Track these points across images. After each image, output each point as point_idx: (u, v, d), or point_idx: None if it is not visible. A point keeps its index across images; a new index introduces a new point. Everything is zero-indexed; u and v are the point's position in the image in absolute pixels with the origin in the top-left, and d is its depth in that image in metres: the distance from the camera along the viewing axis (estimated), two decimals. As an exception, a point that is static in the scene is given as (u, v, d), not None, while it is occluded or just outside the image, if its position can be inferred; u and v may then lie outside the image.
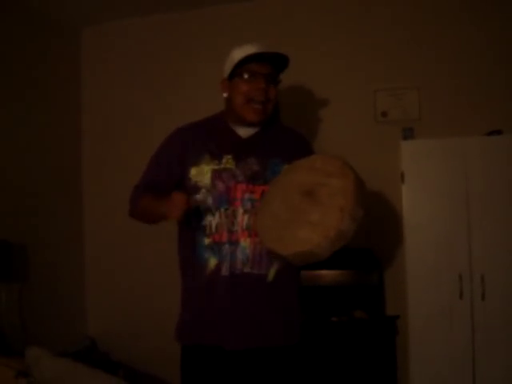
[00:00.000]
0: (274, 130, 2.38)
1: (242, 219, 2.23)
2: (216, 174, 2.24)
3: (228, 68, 2.29)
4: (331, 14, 4.20)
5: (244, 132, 2.32)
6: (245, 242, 2.22)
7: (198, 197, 2.24)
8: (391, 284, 3.97)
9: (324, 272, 3.78)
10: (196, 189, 2.25)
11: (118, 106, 4.61)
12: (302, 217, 2.06)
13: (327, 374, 3.64)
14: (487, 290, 3.51)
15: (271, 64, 2.26)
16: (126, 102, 4.59)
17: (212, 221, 2.23)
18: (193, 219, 2.23)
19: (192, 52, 4.45)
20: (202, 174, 2.25)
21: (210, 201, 2.23)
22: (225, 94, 2.33)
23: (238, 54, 2.25)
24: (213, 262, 2.23)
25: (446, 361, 3.53)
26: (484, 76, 3.90)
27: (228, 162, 2.26)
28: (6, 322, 3.52)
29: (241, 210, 2.23)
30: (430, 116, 3.97)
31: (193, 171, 2.26)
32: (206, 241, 2.23)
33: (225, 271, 2.22)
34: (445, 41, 3.98)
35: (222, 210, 2.23)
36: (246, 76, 2.25)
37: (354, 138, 4.08)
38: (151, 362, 4.20)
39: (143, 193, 2.33)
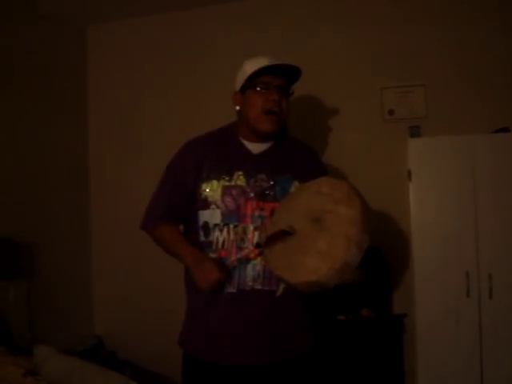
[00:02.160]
0: (284, 145, 2.36)
1: (253, 236, 2.23)
2: (226, 191, 2.24)
3: (240, 80, 2.28)
4: (336, 11, 4.19)
5: (255, 148, 2.31)
6: (255, 259, 2.22)
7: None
8: (398, 282, 3.96)
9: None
10: (206, 204, 2.24)
11: (123, 103, 4.61)
12: (309, 244, 2.06)
13: (335, 373, 3.64)
14: (494, 289, 3.49)
15: (284, 76, 2.25)
16: (131, 99, 4.59)
17: (219, 237, 2.22)
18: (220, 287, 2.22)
19: (198, 51, 4.44)
20: (212, 189, 2.25)
21: (218, 216, 2.23)
22: (237, 107, 2.32)
23: (251, 66, 2.24)
24: None
25: (453, 359, 3.52)
26: (491, 73, 3.88)
27: (239, 178, 2.25)
28: (14, 320, 3.53)
29: (251, 227, 2.23)
30: (437, 114, 3.96)
31: (204, 186, 2.25)
32: (212, 256, 2.23)
33: (231, 288, 2.21)
34: (452, 38, 3.95)
35: (231, 226, 2.23)
36: (259, 88, 2.24)
37: (361, 137, 4.07)
38: (158, 361, 4.20)
39: (162, 219, 2.32)
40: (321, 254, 1.99)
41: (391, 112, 4.03)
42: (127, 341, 4.32)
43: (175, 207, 2.32)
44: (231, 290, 2.21)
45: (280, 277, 2.11)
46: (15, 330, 3.53)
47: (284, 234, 2.11)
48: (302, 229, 2.11)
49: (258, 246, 2.19)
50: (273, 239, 2.13)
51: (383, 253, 3.84)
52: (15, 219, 3.74)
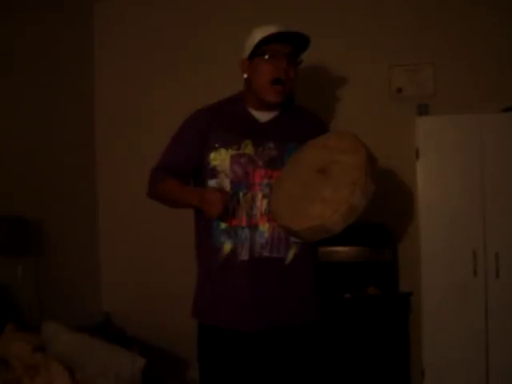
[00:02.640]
0: (291, 114, 2.37)
1: (261, 204, 2.24)
2: (235, 159, 2.25)
3: (248, 48, 2.27)
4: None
5: (262, 116, 2.31)
6: (263, 227, 2.24)
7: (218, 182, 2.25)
8: (405, 261, 3.96)
9: (337, 248, 3.77)
10: (214, 173, 2.26)
11: (131, 82, 4.58)
12: (314, 193, 2.08)
13: (340, 350, 3.66)
14: (501, 268, 3.50)
15: (292, 44, 2.24)
16: (139, 78, 4.56)
17: (229, 205, 2.23)
18: (229, 213, 2.23)
19: (209, 28, 4.41)
20: (220, 158, 2.25)
21: (227, 185, 2.24)
22: (245, 75, 2.32)
23: (259, 33, 2.23)
24: (228, 246, 2.25)
25: (459, 338, 3.54)
26: (500, 52, 3.85)
27: (247, 147, 2.26)
28: (22, 297, 3.56)
29: (260, 195, 2.25)
30: (445, 92, 3.93)
31: (212, 156, 2.26)
32: (223, 225, 2.24)
33: (244, 255, 2.23)
34: (460, 16, 3.92)
35: (241, 194, 2.24)
36: (266, 56, 2.23)
37: (369, 115, 4.05)
38: (166, 337, 4.23)
39: (165, 176, 2.32)
40: (326, 201, 2.02)
41: (399, 90, 4.01)
42: (135, 318, 4.35)
43: (178, 168, 2.32)
44: (243, 257, 2.23)
45: (285, 227, 2.12)
46: (23, 307, 3.55)
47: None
48: (307, 179, 2.13)
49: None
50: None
51: (390, 230, 3.84)
52: (24, 197, 3.75)
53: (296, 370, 2.33)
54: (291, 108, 2.38)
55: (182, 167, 2.32)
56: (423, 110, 3.81)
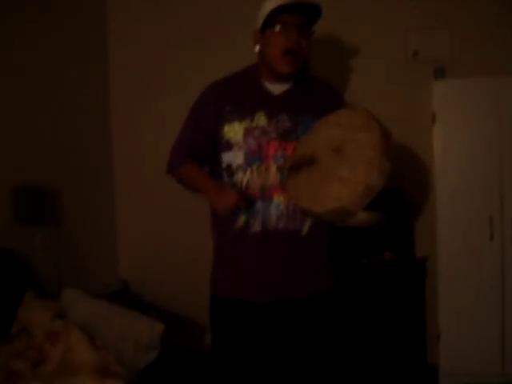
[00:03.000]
0: (305, 85, 2.34)
1: (275, 176, 2.24)
2: (248, 132, 2.24)
3: (260, 19, 2.25)
4: None
5: (276, 88, 2.29)
6: (278, 199, 2.24)
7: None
8: (421, 226, 3.96)
9: (353, 213, 3.76)
10: (228, 146, 2.25)
11: (144, 53, 4.51)
12: (331, 173, 2.08)
13: (356, 316, 3.68)
14: (518, 233, 3.49)
15: (303, 15, 2.21)
16: (152, 50, 4.48)
17: (243, 178, 2.23)
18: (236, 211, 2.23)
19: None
20: (234, 131, 2.25)
21: (241, 158, 2.24)
22: (257, 47, 2.29)
23: (270, 4, 2.20)
24: (242, 218, 2.25)
25: (475, 302, 3.56)
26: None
27: (260, 119, 2.25)
28: (41, 266, 3.60)
29: (274, 167, 2.24)
30: (462, 55, 3.87)
31: (226, 128, 2.25)
32: None
33: (257, 227, 2.23)
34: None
35: (254, 167, 2.24)
36: (278, 27, 2.21)
37: (385, 79, 4.00)
38: (183, 304, 4.27)
39: (185, 159, 2.33)
40: (343, 182, 2.01)
41: (415, 53, 3.95)
42: (152, 285, 4.38)
43: (198, 148, 2.33)
44: (256, 229, 2.24)
45: (304, 209, 2.13)
46: (42, 276, 3.59)
47: (305, 164, 2.12)
48: (322, 159, 2.13)
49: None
50: (295, 167, 2.14)
51: (406, 196, 3.83)
52: (41, 167, 3.76)
53: (310, 340, 2.34)
54: (305, 79, 2.35)
55: (201, 144, 2.32)
56: (440, 74, 3.77)
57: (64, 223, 3.92)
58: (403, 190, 3.80)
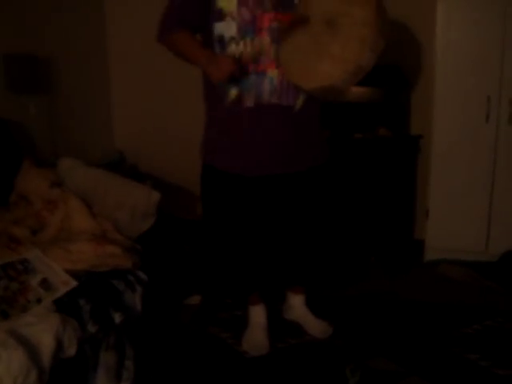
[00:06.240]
0: None
1: (270, 49, 2.17)
2: (242, 1, 2.14)
3: None
4: None
5: None
6: (272, 73, 2.19)
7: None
8: (418, 103, 3.93)
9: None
10: (221, 15, 2.16)
11: None
12: (323, 49, 2.03)
13: (348, 189, 3.74)
14: (514, 114, 3.46)
15: None
16: None
17: (235, 50, 2.16)
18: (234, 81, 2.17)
19: None
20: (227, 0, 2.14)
21: (234, 29, 2.15)
22: None
23: None
24: (233, 92, 2.22)
25: (466, 181, 3.60)
26: None
27: None
28: (36, 135, 3.58)
29: (268, 40, 2.16)
30: None
31: None
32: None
33: (249, 102, 2.21)
34: None
35: (248, 39, 2.16)
36: None
37: None
38: (177, 173, 4.31)
39: (176, 26, 2.25)
40: (334, 58, 1.99)
41: None
42: (147, 155, 4.41)
43: (189, 15, 2.25)
44: (249, 104, 2.22)
45: (295, 84, 2.11)
46: (38, 144, 3.59)
47: (299, 22, 2.08)
48: (315, 29, 2.07)
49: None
50: (289, 29, 2.10)
51: (405, 72, 3.76)
52: (34, 34, 3.65)
53: (298, 207, 2.40)
54: None
55: (193, 11, 2.23)
56: None
57: (59, 92, 3.87)
58: (402, 66, 3.74)
